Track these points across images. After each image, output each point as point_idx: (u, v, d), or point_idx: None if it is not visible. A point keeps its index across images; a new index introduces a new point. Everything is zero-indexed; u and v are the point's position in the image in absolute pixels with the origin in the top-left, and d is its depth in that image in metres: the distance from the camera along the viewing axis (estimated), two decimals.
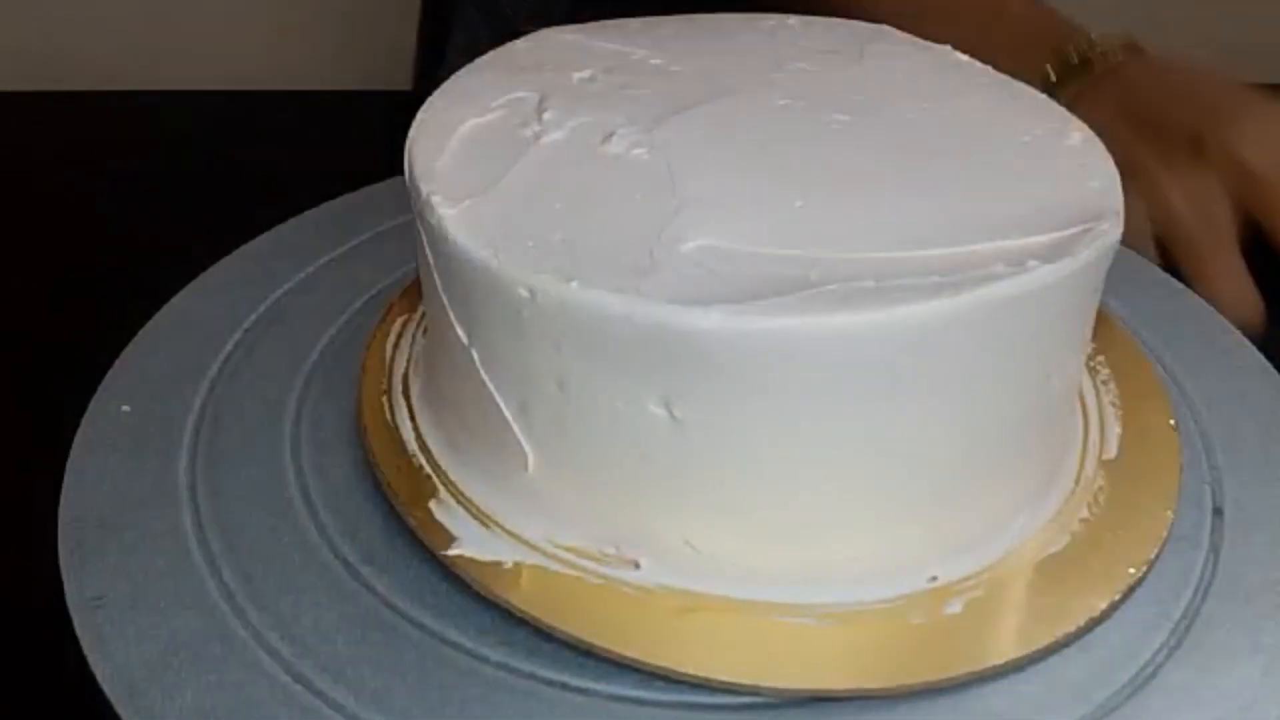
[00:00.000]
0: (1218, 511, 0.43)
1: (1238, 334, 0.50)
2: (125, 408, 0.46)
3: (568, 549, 0.39)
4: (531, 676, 0.37)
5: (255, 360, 0.48)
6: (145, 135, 0.71)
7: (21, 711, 0.42)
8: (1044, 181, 0.40)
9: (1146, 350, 0.49)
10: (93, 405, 0.46)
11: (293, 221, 0.55)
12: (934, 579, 0.38)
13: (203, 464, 0.44)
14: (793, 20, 0.49)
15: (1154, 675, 0.37)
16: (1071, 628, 0.38)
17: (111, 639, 0.38)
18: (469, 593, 0.39)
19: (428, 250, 0.39)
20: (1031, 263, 0.35)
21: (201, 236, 0.55)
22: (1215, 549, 0.41)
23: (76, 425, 0.45)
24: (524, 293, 0.35)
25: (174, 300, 0.51)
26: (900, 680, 0.36)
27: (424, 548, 0.39)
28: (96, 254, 0.61)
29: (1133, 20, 0.92)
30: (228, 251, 0.54)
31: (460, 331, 0.39)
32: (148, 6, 0.89)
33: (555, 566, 0.38)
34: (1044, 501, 0.41)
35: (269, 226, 0.55)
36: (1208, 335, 0.51)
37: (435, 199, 0.38)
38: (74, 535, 0.41)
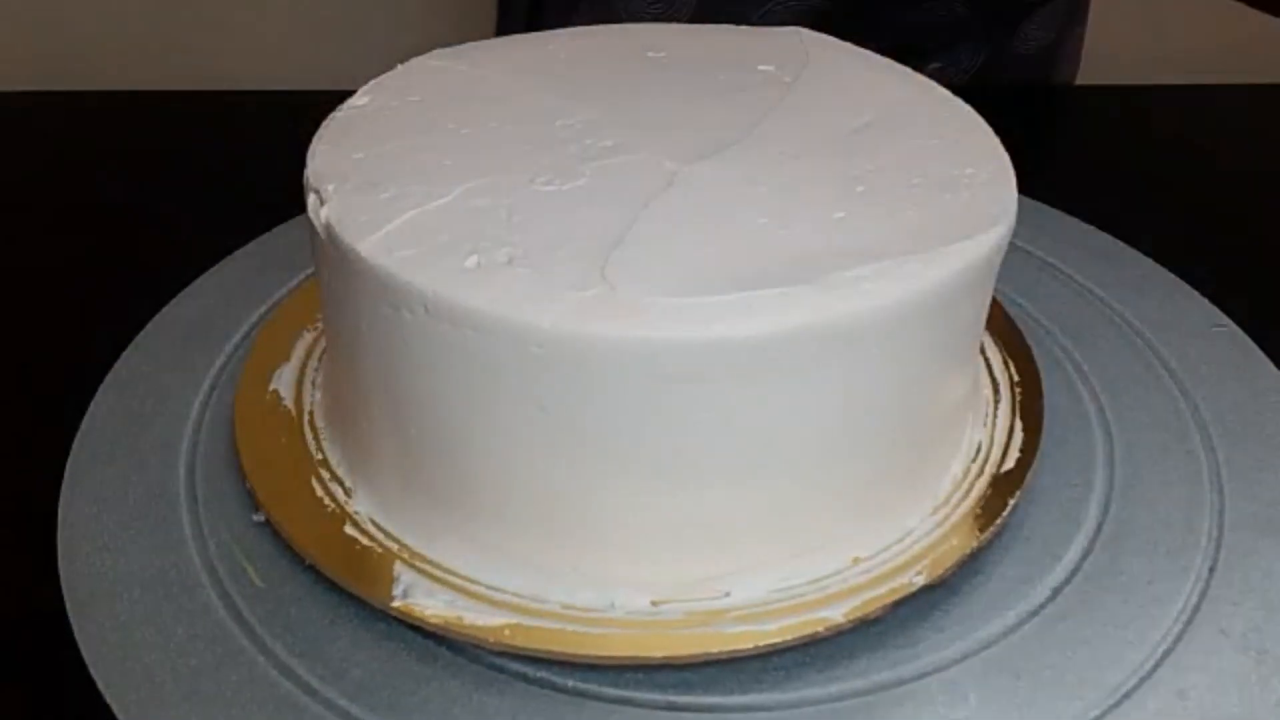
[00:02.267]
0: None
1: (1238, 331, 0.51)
2: (124, 409, 0.46)
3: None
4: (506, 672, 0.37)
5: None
6: (145, 135, 0.71)
7: (22, 711, 0.42)
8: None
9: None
10: (93, 405, 0.46)
11: (293, 222, 0.55)
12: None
13: (201, 465, 0.44)
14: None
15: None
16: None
17: (108, 640, 0.38)
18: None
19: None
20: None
21: (202, 237, 0.55)
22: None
23: (76, 425, 0.45)
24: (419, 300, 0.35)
25: (174, 300, 0.51)
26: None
27: None
28: (97, 253, 0.61)
29: (1133, 20, 0.92)
30: (228, 252, 0.54)
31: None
32: (149, 6, 0.89)
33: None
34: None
35: (270, 227, 0.55)
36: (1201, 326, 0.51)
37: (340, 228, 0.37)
38: (73, 537, 0.41)
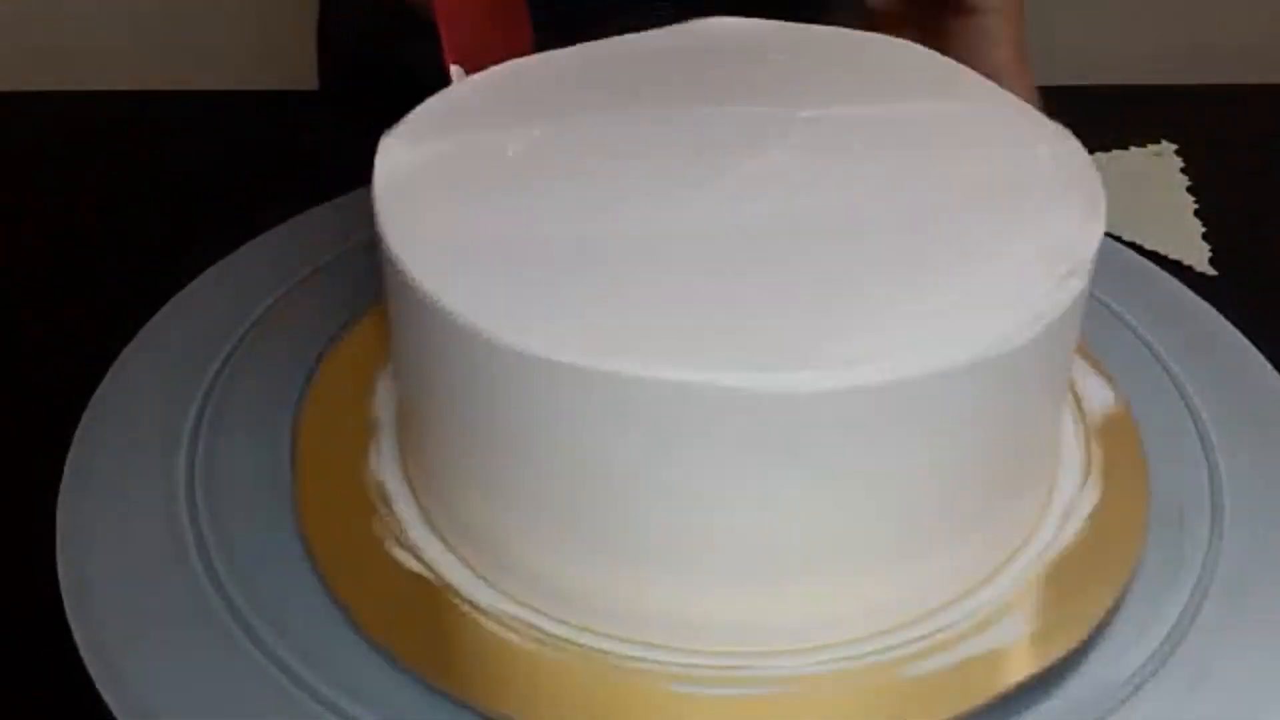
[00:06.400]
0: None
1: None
2: (123, 409, 0.46)
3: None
4: None
5: (256, 360, 0.48)
6: (145, 135, 0.71)
7: (22, 711, 0.42)
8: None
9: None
10: (93, 404, 0.46)
11: (294, 221, 0.55)
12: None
13: (201, 464, 0.44)
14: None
15: None
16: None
17: (107, 639, 0.38)
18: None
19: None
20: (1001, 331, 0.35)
21: (201, 236, 0.55)
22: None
23: (76, 425, 0.45)
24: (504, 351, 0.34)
25: (173, 300, 0.51)
26: None
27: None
28: (96, 254, 0.61)
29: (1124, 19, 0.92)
30: (228, 251, 0.54)
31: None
32: (149, 6, 0.89)
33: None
34: None
35: (270, 227, 0.55)
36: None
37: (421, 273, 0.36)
38: (73, 536, 0.41)
